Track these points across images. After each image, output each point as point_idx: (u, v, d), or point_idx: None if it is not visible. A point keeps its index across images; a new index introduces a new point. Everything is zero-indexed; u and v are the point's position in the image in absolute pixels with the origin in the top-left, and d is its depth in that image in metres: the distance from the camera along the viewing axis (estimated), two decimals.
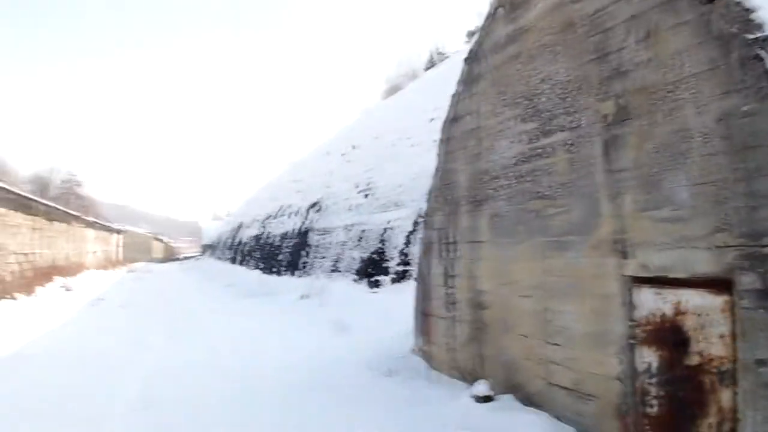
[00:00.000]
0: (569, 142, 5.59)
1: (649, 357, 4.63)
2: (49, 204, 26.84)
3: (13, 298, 16.62)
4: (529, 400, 6.11)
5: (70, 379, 8.39)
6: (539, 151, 6.04)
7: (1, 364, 9.28)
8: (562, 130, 5.70)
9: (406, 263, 13.38)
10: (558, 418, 5.60)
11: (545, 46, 6.00)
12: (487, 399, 6.42)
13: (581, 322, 5.37)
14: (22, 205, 21.04)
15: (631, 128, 4.82)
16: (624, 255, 4.87)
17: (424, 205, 12.90)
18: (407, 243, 13.81)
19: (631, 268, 4.79)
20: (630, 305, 4.82)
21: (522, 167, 6.32)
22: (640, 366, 4.71)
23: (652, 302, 4.59)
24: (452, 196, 7.84)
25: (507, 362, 6.53)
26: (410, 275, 12.86)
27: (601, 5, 5.21)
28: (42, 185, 75.18)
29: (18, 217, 20.39)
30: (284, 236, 25.63)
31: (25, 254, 21.25)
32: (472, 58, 7.54)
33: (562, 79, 5.72)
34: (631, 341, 4.79)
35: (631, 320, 4.79)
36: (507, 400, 6.31)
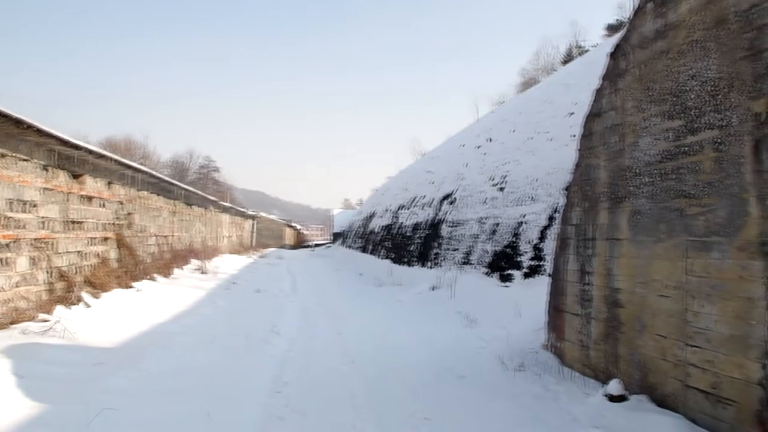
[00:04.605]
0: (717, 140, 5.47)
1: None
2: (188, 188, 28.15)
3: (152, 278, 17.48)
4: (663, 401, 6.06)
5: (206, 358, 8.84)
6: (685, 148, 5.94)
7: (143, 341, 9.84)
8: (711, 128, 5.58)
9: (539, 258, 13.31)
10: (693, 421, 5.54)
11: (696, 42, 5.87)
12: (620, 398, 6.40)
13: (723, 324, 5.27)
14: (163, 189, 22.38)
15: None
16: None
17: (559, 200, 12.82)
18: (541, 238, 13.73)
19: None
20: None
21: (666, 165, 6.23)
22: None
23: None
24: (591, 192, 7.81)
25: (642, 362, 6.49)
26: (542, 270, 12.80)
27: (757, 1, 5.06)
28: (180, 169, 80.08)
29: (159, 201, 21.73)
30: (416, 227, 26.02)
31: (164, 237, 22.58)
32: (616, 53, 7.46)
33: (713, 76, 5.59)
34: None
35: None
36: (641, 400, 6.28)
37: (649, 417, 5.80)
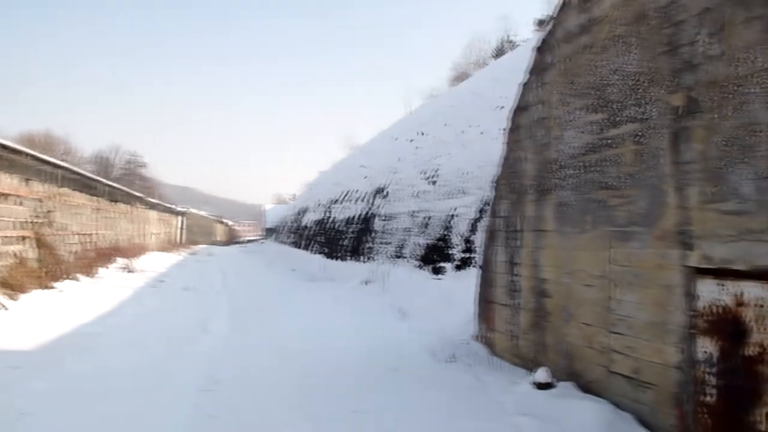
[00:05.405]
0: (638, 133, 5.64)
1: (708, 347, 4.69)
2: (112, 185, 27.41)
3: (75, 278, 16.81)
4: (588, 387, 6.22)
5: (132, 359, 8.54)
6: (607, 141, 6.10)
7: (64, 343, 9.42)
8: (632, 122, 5.74)
9: (470, 250, 13.48)
10: (617, 405, 5.69)
11: (618, 37, 6.02)
12: (547, 386, 6.53)
13: (643, 311, 5.44)
14: (86, 185, 21.59)
15: (700, 121, 4.85)
16: (688, 246, 4.92)
17: (489, 193, 12.99)
18: (472, 230, 13.90)
19: (694, 260, 4.85)
20: (692, 296, 4.88)
21: (589, 157, 6.38)
22: (700, 356, 4.78)
23: (713, 293, 4.65)
24: (518, 185, 7.94)
25: (568, 350, 6.65)
26: (473, 262, 12.96)
27: None
28: (105, 165, 76.98)
29: (81, 198, 20.92)
30: (348, 221, 25.97)
31: (88, 235, 21.74)
32: (542, 48, 7.59)
33: (633, 70, 5.75)
34: (692, 331, 4.85)
35: (692, 311, 4.86)
36: (567, 387, 6.43)
37: (575, 403, 5.94)
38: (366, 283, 16.59)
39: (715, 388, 4.62)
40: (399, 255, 17.52)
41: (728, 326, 4.49)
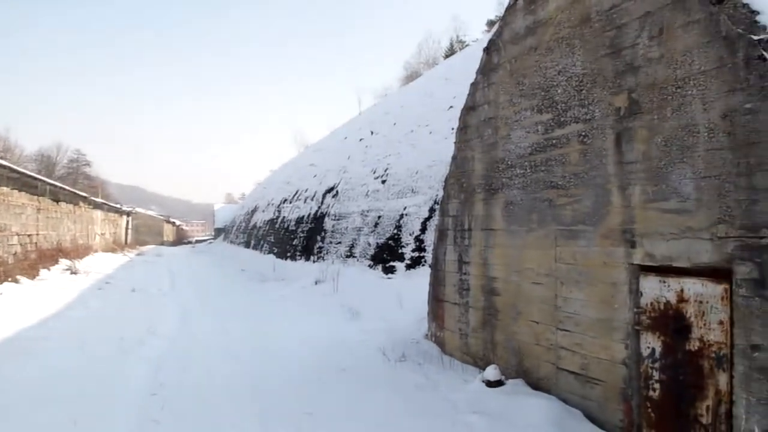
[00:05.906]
0: (583, 133, 5.74)
1: (652, 342, 4.82)
2: (56, 184, 26.42)
3: (15, 281, 16.27)
4: (538, 384, 6.32)
5: (75, 362, 8.36)
6: (554, 141, 6.19)
7: (3, 348, 9.12)
8: (576, 122, 5.84)
9: (421, 249, 13.55)
10: (565, 401, 5.80)
11: (563, 39, 6.13)
12: (497, 384, 6.59)
13: (590, 308, 5.55)
14: (27, 184, 20.80)
15: (641, 122, 4.98)
16: (632, 244, 5.04)
17: (440, 192, 13.09)
18: (423, 229, 13.98)
19: (638, 257, 4.97)
20: (636, 293, 5.00)
21: (536, 157, 6.47)
22: (644, 351, 4.90)
23: (656, 290, 4.78)
24: (468, 184, 8.00)
25: (517, 347, 6.72)
26: (424, 261, 13.03)
27: (617, 1, 5.34)
28: (48, 163, 74.66)
29: (22, 197, 20.16)
30: (299, 221, 25.83)
31: (29, 236, 20.95)
32: (491, 48, 7.66)
33: (578, 71, 5.86)
34: (637, 327, 4.98)
35: (637, 307, 4.98)
36: (517, 384, 6.51)
37: (524, 400, 6.01)
38: (317, 283, 16.49)
39: (659, 382, 4.74)
40: (350, 254, 17.49)
41: (671, 322, 4.62)
